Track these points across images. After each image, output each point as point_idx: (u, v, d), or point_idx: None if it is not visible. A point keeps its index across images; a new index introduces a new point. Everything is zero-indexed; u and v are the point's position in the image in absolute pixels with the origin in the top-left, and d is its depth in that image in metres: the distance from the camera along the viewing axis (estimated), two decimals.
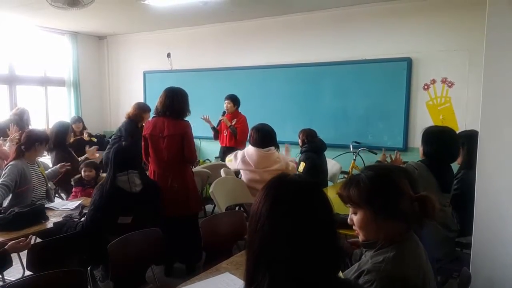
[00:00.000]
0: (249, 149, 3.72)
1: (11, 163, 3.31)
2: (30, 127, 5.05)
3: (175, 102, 3.36)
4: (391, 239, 1.30)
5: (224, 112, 5.27)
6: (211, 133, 5.42)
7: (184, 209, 3.38)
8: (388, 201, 1.29)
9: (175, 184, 3.35)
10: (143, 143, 3.46)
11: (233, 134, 5.07)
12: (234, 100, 5.19)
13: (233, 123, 5.10)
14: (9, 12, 5.84)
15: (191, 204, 3.44)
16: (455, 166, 3.10)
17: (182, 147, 3.33)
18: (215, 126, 5.36)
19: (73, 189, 3.94)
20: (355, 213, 1.35)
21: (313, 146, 4.21)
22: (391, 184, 1.31)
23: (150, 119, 3.49)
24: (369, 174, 1.33)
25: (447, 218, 2.66)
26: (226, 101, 5.21)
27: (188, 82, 6.91)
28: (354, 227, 1.38)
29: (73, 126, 5.91)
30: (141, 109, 4.81)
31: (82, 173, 3.97)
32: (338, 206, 1.61)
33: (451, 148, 2.69)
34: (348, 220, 1.38)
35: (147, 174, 3.22)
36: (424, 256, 1.34)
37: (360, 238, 1.37)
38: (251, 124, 4.45)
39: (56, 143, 4.24)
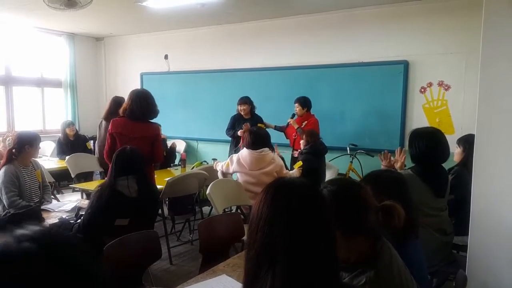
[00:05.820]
0: (243, 152, 3.75)
1: (2, 168, 3.26)
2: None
3: (150, 105, 3.45)
4: (365, 255, 1.23)
5: (293, 115, 5.07)
6: (208, 135, 5.37)
7: None
8: (353, 217, 1.24)
9: None
10: (109, 141, 3.41)
11: (301, 137, 4.77)
12: (302, 102, 4.98)
13: (302, 126, 4.88)
14: (6, 13, 5.82)
15: None
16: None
17: (152, 149, 3.44)
18: (282, 126, 5.27)
19: None
20: None
21: (314, 148, 4.22)
22: (354, 198, 1.26)
23: (116, 118, 3.48)
24: (332, 189, 1.29)
25: (443, 222, 2.59)
26: (295, 104, 5.03)
27: (185, 84, 6.94)
28: None
29: (66, 130, 5.91)
30: None
31: None
32: None
33: (436, 149, 2.55)
34: None
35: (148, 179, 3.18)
36: (399, 260, 1.31)
37: None
38: None
39: None
